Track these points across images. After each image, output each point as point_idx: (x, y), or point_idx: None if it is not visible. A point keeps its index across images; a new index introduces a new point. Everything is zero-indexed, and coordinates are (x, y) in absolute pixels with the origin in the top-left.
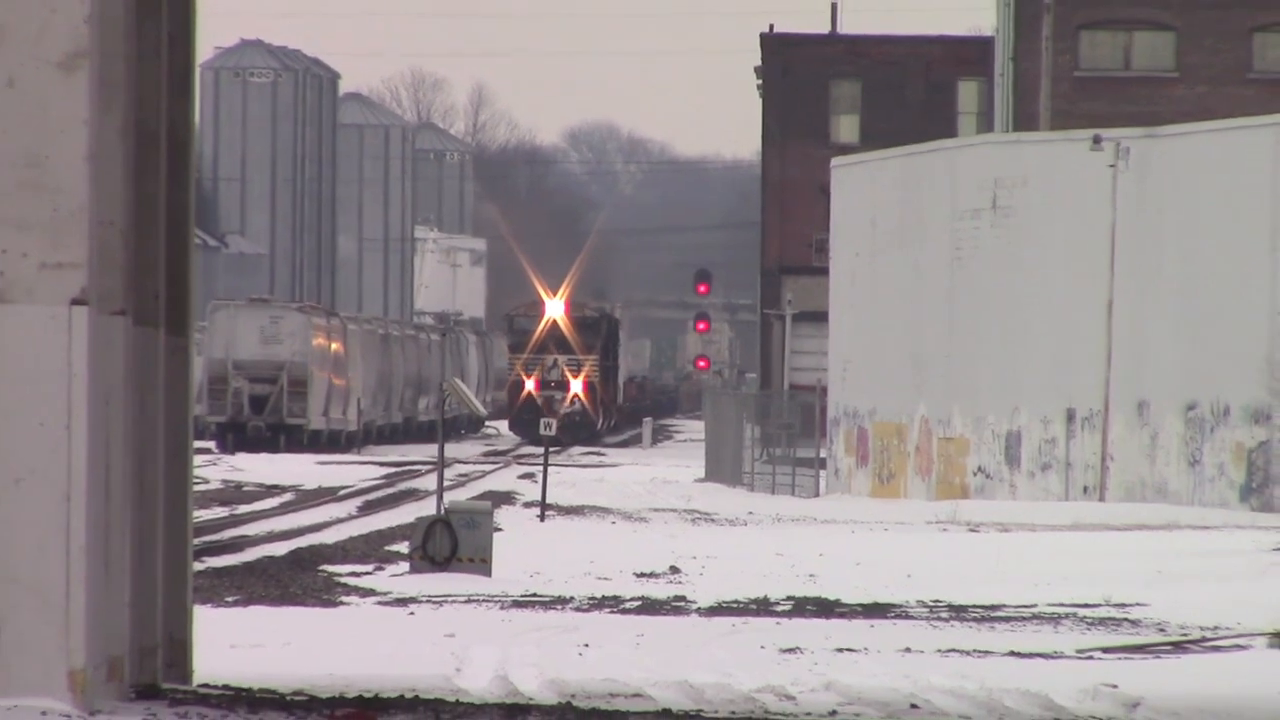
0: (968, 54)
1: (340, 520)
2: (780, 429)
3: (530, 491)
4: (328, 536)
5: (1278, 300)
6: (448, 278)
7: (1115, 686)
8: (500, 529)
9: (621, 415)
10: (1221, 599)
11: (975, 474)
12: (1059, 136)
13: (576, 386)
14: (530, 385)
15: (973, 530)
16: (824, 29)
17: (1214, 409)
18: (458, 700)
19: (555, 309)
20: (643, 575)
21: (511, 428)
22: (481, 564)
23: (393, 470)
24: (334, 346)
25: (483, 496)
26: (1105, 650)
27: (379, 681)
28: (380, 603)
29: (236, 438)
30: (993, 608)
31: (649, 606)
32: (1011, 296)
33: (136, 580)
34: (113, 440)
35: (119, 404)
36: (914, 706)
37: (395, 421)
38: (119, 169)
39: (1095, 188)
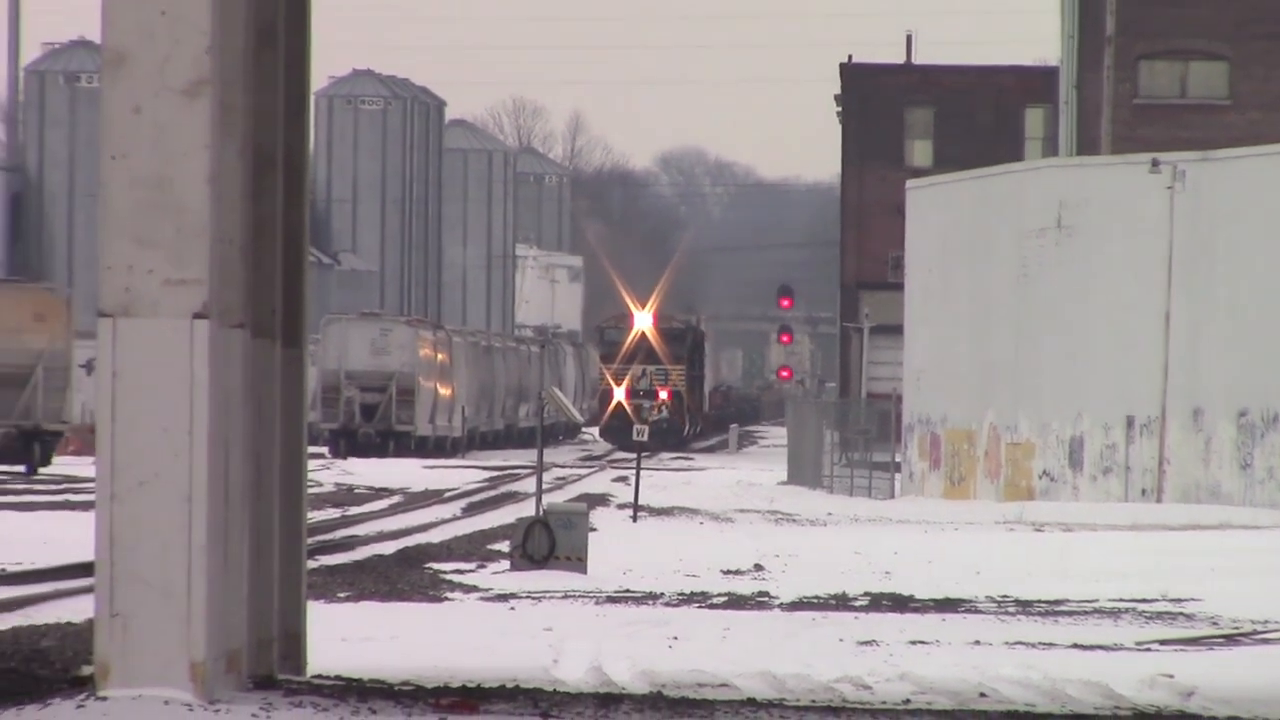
0: (1034, 83)
1: (445, 521)
2: (858, 435)
3: (623, 494)
4: (433, 536)
5: None
6: (547, 293)
7: (1172, 677)
8: (595, 529)
9: (707, 422)
10: (1272, 594)
11: (1040, 477)
12: (1119, 160)
13: (664, 395)
14: (620, 394)
15: (1038, 530)
16: (899, 60)
17: (1264, 416)
18: (555, 690)
19: (644, 321)
20: (729, 572)
21: (602, 434)
22: (578, 562)
23: (495, 474)
24: (440, 357)
25: (579, 498)
26: (1162, 643)
27: (481, 672)
28: (483, 598)
29: (348, 443)
30: (1057, 603)
31: (735, 602)
32: (1075, 310)
33: (254, 577)
34: (232, 445)
35: (238, 411)
36: (983, 695)
37: (497, 428)
38: (238, 190)
39: (1153, 208)
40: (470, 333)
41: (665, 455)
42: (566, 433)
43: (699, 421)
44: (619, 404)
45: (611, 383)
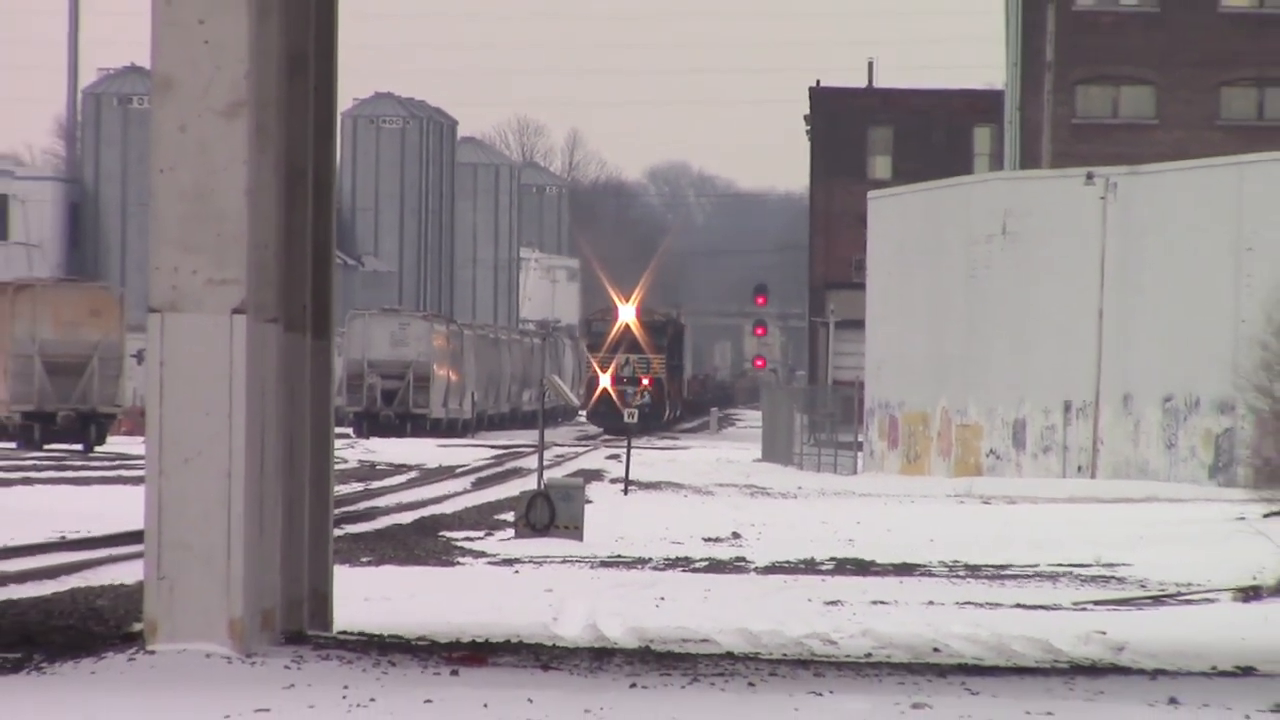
0: (982, 105)
1: (457, 494)
2: (825, 417)
3: (616, 470)
4: (446, 507)
5: (1239, 310)
6: (547, 291)
7: (1104, 633)
8: (590, 501)
9: (686, 407)
10: (1193, 560)
11: (988, 455)
12: (1058, 174)
13: (646, 382)
14: (605, 381)
15: (985, 502)
16: (862, 84)
17: (1187, 401)
18: (554, 644)
19: (627, 314)
20: (709, 540)
21: (589, 418)
22: (575, 530)
23: (501, 452)
24: (452, 348)
25: (576, 474)
26: (1096, 603)
27: (489, 628)
28: (490, 563)
29: (370, 424)
30: (1002, 567)
31: (715, 566)
32: (1018, 307)
33: (286, 544)
34: (267, 427)
35: (272, 396)
36: (936, 650)
37: (503, 411)
38: (272, 200)
39: (1088, 216)
40: (479, 326)
41: (652, 436)
42: (565, 415)
43: (678, 406)
44: (604, 390)
45: (598, 370)
